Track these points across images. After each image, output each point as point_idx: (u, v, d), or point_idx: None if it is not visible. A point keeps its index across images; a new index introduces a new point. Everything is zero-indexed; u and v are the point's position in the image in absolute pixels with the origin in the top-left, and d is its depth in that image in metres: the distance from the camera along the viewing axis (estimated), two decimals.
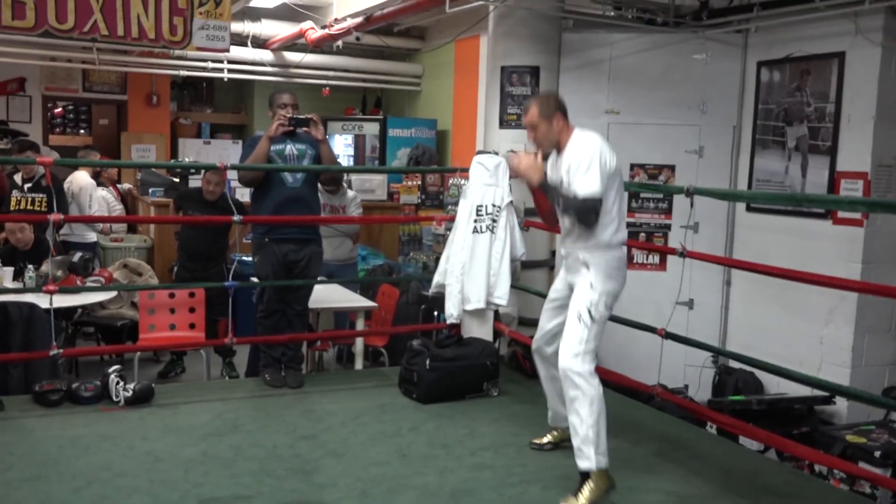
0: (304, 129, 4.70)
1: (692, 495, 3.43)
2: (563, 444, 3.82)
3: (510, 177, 5.14)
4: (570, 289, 3.50)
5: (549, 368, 3.73)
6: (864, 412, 5.06)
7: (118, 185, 8.69)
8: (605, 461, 3.23)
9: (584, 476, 3.22)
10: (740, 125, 6.04)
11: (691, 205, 4.10)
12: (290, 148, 4.70)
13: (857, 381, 5.08)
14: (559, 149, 3.49)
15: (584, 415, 3.21)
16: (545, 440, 3.91)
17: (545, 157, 3.53)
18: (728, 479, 3.63)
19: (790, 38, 5.59)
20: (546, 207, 3.68)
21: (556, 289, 3.70)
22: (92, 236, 7.20)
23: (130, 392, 4.30)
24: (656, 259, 6.17)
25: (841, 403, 5.14)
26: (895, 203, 4.61)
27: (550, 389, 3.81)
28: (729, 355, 4.77)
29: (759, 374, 5.52)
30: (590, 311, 3.31)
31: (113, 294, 6.04)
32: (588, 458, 3.20)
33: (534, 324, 5.88)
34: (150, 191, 8.36)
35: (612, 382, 4.61)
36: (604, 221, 3.35)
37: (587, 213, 3.28)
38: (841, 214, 5.22)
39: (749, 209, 5.95)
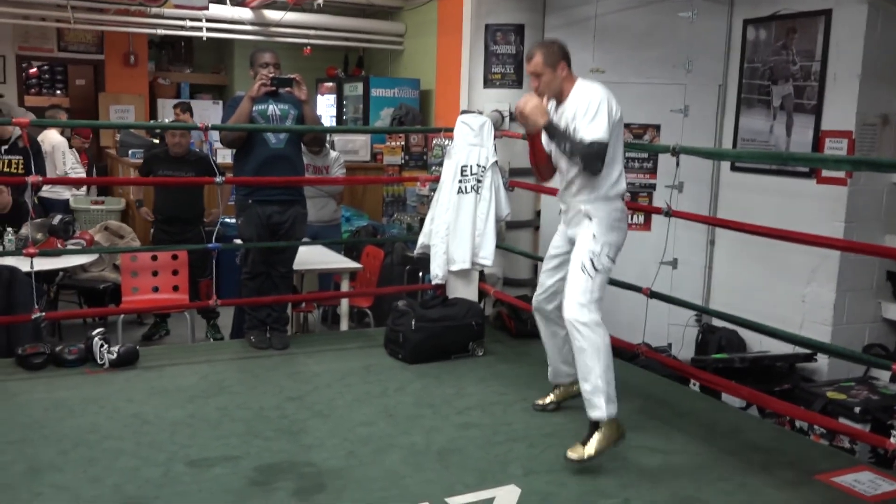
0: (287, 88, 4.63)
1: (676, 451, 3.47)
2: (566, 402, 3.86)
3: (496, 136, 5.11)
4: (571, 243, 3.48)
5: (550, 325, 3.74)
6: (845, 369, 5.12)
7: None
8: (615, 410, 3.23)
9: (594, 425, 3.22)
10: (726, 84, 6.01)
11: (677, 164, 4.10)
12: (273, 108, 4.63)
13: (838, 338, 5.13)
14: (560, 98, 3.46)
15: (592, 364, 3.20)
16: (548, 400, 3.91)
17: None
18: (711, 435, 3.68)
19: None
20: (542, 157, 3.60)
21: (556, 245, 3.66)
22: (65, 194, 7.13)
23: (115, 355, 4.28)
24: (641, 219, 6.17)
25: (822, 361, 5.20)
26: (880, 161, 4.63)
27: (552, 346, 3.81)
28: (712, 314, 4.80)
29: (742, 332, 5.57)
30: (592, 262, 3.29)
31: (94, 257, 5.99)
32: (599, 407, 3.20)
33: (519, 284, 5.93)
34: (130, 152, 8.24)
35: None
36: (605, 172, 3.34)
37: (594, 158, 3.25)
38: (825, 173, 5.23)
39: (733, 168, 5.95)
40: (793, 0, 5.43)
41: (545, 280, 3.70)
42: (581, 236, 3.38)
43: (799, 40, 5.41)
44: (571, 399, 3.81)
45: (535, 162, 3.68)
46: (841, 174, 5.11)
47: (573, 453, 3.18)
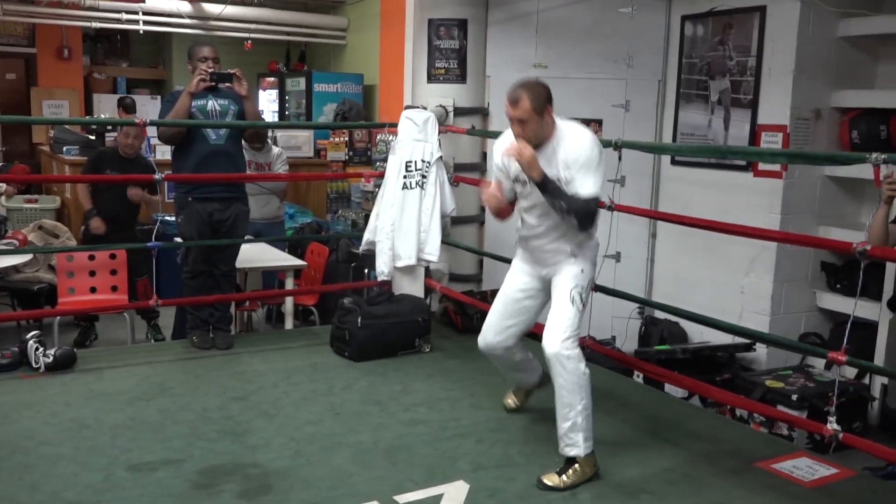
0: (227, 84, 4.55)
1: (620, 442, 3.52)
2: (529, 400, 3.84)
3: (441, 131, 5.10)
4: (540, 278, 3.35)
5: (499, 356, 3.55)
6: (782, 358, 5.26)
7: None
8: (591, 446, 3.14)
9: (571, 460, 3.12)
10: (665, 79, 6.10)
11: (619, 158, 4.14)
12: (213, 104, 4.54)
13: (776, 328, 5.27)
14: (541, 143, 3.16)
15: (572, 401, 3.09)
16: (518, 404, 3.83)
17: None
18: (655, 426, 3.74)
19: None
20: (507, 210, 3.40)
21: (524, 285, 3.41)
22: None
23: (51, 358, 4.16)
24: None
25: (760, 350, 5.33)
26: (814, 154, 4.76)
27: (505, 367, 3.67)
28: (655, 306, 4.87)
29: (684, 323, 5.67)
30: (581, 295, 3.19)
31: (28, 257, 5.81)
32: (576, 445, 3.10)
33: (465, 279, 5.95)
34: (65, 149, 8.00)
35: (541, 335, 4.67)
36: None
37: (591, 217, 3.11)
38: (761, 167, 5.35)
39: (674, 162, 6.05)
40: None
41: (504, 321, 3.45)
42: (566, 271, 3.24)
43: (735, 36, 5.52)
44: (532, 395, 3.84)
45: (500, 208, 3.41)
46: (777, 167, 5.24)
47: (548, 480, 3.07)
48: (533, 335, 3.61)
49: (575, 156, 3.09)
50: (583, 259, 3.25)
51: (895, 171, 3.16)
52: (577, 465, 3.10)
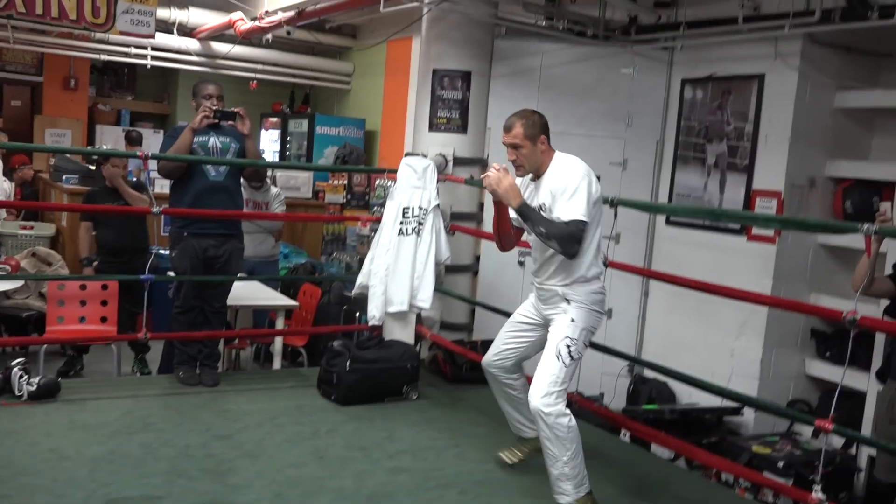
0: (230, 122, 4.59)
1: (604, 501, 3.48)
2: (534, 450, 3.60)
3: (439, 179, 5.15)
4: (542, 316, 3.39)
5: (501, 385, 3.61)
6: (770, 423, 5.24)
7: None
8: (586, 487, 3.16)
9: None
10: (663, 140, 6.19)
11: (615, 216, 4.17)
12: (214, 141, 4.59)
13: (765, 392, 5.26)
14: (538, 173, 3.31)
15: (557, 453, 3.11)
16: (516, 459, 3.71)
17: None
18: (640, 487, 3.70)
19: (713, 57, 5.76)
20: (507, 227, 3.44)
21: (526, 312, 3.52)
22: None
23: (35, 386, 4.11)
24: None
25: (748, 414, 5.31)
26: (807, 221, 4.80)
27: (506, 403, 3.68)
28: (644, 365, 4.86)
29: (672, 384, 5.66)
30: (569, 349, 3.16)
31: (20, 283, 5.79)
32: (566, 493, 3.13)
33: (456, 328, 5.93)
34: (64, 178, 8.03)
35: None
36: (582, 253, 3.19)
37: (571, 239, 3.10)
38: (755, 231, 5.40)
39: (668, 222, 6.10)
40: (728, 63, 5.65)
41: (503, 341, 3.56)
42: (558, 320, 3.24)
43: (733, 102, 5.62)
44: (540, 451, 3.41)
45: (499, 230, 3.49)
46: (770, 232, 5.29)
47: None
48: None
49: (560, 184, 3.18)
50: (576, 306, 3.22)
51: (887, 210, 3.23)
52: None
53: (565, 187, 3.15)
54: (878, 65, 5.45)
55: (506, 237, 3.50)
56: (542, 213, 3.21)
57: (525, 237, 3.54)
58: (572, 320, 3.21)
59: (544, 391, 3.11)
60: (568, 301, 3.24)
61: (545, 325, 3.37)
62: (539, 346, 3.42)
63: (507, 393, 3.63)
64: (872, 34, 5.09)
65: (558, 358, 3.16)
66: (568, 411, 3.14)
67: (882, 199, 5.16)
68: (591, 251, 3.25)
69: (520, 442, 3.74)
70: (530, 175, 3.37)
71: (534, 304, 3.48)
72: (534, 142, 3.25)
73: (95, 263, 5.72)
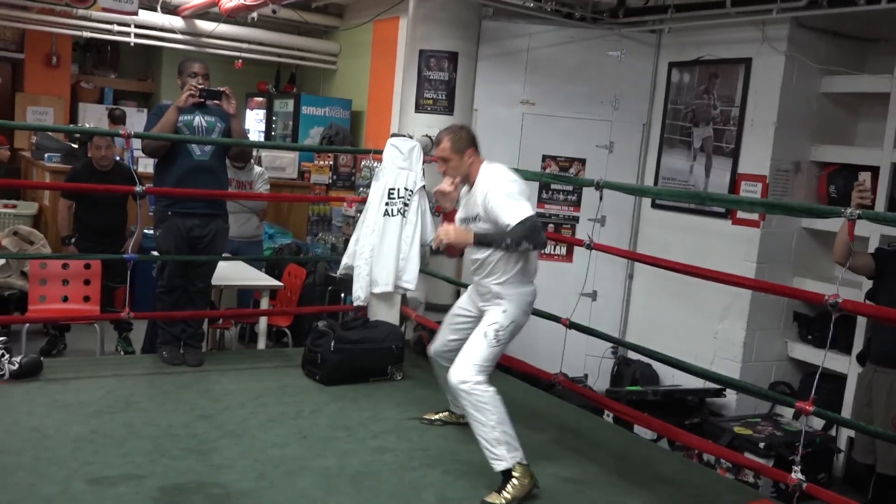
0: (216, 101, 4.55)
1: (587, 481, 3.51)
2: (454, 422, 3.97)
3: (425, 161, 5.13)
4: (478, 309, 3.54)
5: (440, 367, 3.76)
6: (752, 405, 5.29)
7: None
8: (520, 455, 3.18)
9: (506, 474, 3.16)
10: (650, 123, 6.19)
11: (600, 198, 4.18)
12: (200, 120, 4.54)
13: (747, 375, 5.31)
14: (469, 182, 3.53)
15: (483, 420, 3.19)
16: (435, 417, 4.04)
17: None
18: (623, 466, 3.73)
19: (701, 41, 5.76)
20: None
21: (462, 306, 3.72)
22: None
23: (16, 365, 4.09)
24: (563, 250, 6.28)
25: (730, 396, 5.36)
26: (791, 205, 4.81)
27: (444, 383, 3.76)
28: (628, 346, 4.90)
29: (656, 365, 5.70)
30: (497, 333, 3.32)
31: (1, 262, 5.74)
32: (502, 458, 3.16)
33: (441, 308, 5.91)
34: (46, 156, 7.95)
35: (515, 370, 4.68)
36: (511, 256, 3.36)
37: (535, 232, 3.22)
38: (740, 215, 5.43)
39: (654, 206, 6.12)
40: (715, 46, 5.65)
41: (445, 335, 3.76)
42: (491, 311, 3.41)
43: (720, 86, 5.63)
44: (460, 420, 3.88)
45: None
46: (755, 216, 5.31)
47: (490, 499, 3.12)
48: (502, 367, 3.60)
49: (488, 193, 3.34)
50: (509, 302, 3.38)
51: (866, 180, 3.26)
52: (513, 479, 3.15)
53: (492, 194, 3.32)
54: (865, 50, 5.46)
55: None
56: (494, 229, 3.29)
57: None
58: (504, 311, 3.37)
59: (466, 366, 3.26)
60: (501, 297, 3.39)
61: (481, 317, 3.49)
62: None
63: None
64: (860, 19, 5.11)
65: (484, 337, 3.31)
66: (488, 386, 3.23)
67: None
68: (523, 254, 3.37)
69: (448, 410, 4.03)
70: (466, 186, 3.56)
71: (471, 298, 3.66)
72: (461, 154, 3.47)
73: (73, 240, 5.68)
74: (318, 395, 4.34)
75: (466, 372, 3.24)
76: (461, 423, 3.82)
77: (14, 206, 7.69)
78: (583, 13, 6.09)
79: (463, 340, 3.52)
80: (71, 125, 9.51)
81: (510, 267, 3.39)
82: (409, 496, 3.19)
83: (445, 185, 3.54)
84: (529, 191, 3.47)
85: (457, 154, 3.49)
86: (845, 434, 4.83)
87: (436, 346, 3.81)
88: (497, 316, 3.37)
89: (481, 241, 3.30)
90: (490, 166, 3.51)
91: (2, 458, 3.18)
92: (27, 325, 5.21)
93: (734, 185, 5.48)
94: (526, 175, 3.75)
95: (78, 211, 5.72)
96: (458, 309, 3.74)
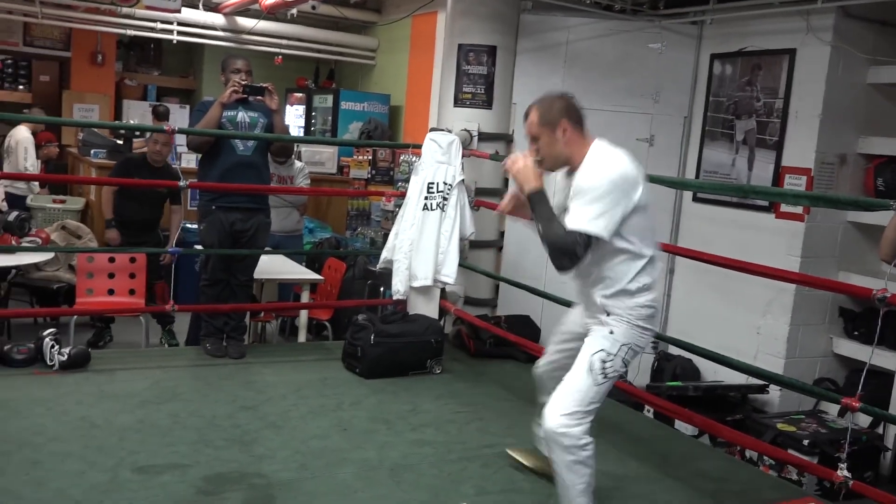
0: (258, 97, 4.60)
1: (627, 476, 3.50)
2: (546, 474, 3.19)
3: (464, 155, 5.13)
4: (585, 329, 2.87)
5: (542, 383, 3.18)
6: (795, 402, 5.21)
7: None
8: None
9: None
10: (691, 116, 6.12)
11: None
12: (243, 115, 4.60)
13: (791, 371, 5.22)
14: (572, 165, 2.76)
15: (571, 482, 2.70)
16: (526, 463, 3.39)
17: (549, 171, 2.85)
18: (663, 462, 3.71)
19: (744, 32, 5.67)
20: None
21: (571, 319, 3.07)
22: (23, 187, 7.09)
23: (66, 356, 4.19)
24: None
25: (773, 392, 5.28)
26: (837, 197, 4.72)
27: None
28: (669, 341, 4.84)
29: (697, 360, 5.64)
30: (604, 364, 2.68)
31: (50, 256, 5.87)
32: None
33: (480, 303, 5.95)
34: (92, 152, 8.11)
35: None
36: (625, 264, 2.71)
37: (562, 253, 2.61)
38: (783, 208, 5.34)
39: (695, 199, 6.04)
40: (758, 37, 5.56)
41: (551, 349, 3.16)
42: (596, 331, 2.76)
43: (763, 77, 5.53)
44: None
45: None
46: (799, 210, 5.22)
47: None
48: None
49: (582, 184, 2.65)
50: (616, 319, 2.73)
51: None
52: None
53: (583, 188, 2.63)
54: None
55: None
56: (551, 209, 2.71)
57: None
58: (611, 332, 2.72)
59: (564, 409, 2.65)
60: (608, 313, 2.75)
61: (585, 336, 2.85)
62: None
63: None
64: None
65: (589, 371, 2.68)
66: (589, 438, 2.69)
67: None
68: (636, 262, 2.72)
69: (537, 451, 3.36)
70: (566, 168, 2.81)
71: (578, 313, 3.03)
72: (553, 128, 2.72)
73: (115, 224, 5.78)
74: (358, 387, 4.38)
75: (563, 419, 2.64)
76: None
77: (63, 202, 7.87)
78: (622, 5, 6.03)
79: (566, 361, 2.90)
80: (117, 122, 9.69)
81: (615, 276, 2.72)
82: (448, 489, 3.21)
83: (506, 200, 2.96)
84: (640, 199, 2.67)
85: (547, 128, 2.72)
86: (893, 431, 4.73)
87: (540, 361, 3.20)
88: (601, 341, 2.71)
89: (534, 197, 2.69)
90: (602, 150, 2.72)
91: (52, 445, 3.27)
92: (75, 317, 5.33)
93: (778, 179, 5.40)
94: None
95: (119, 200, 5.82)
96: (564, 324, 3.10)
